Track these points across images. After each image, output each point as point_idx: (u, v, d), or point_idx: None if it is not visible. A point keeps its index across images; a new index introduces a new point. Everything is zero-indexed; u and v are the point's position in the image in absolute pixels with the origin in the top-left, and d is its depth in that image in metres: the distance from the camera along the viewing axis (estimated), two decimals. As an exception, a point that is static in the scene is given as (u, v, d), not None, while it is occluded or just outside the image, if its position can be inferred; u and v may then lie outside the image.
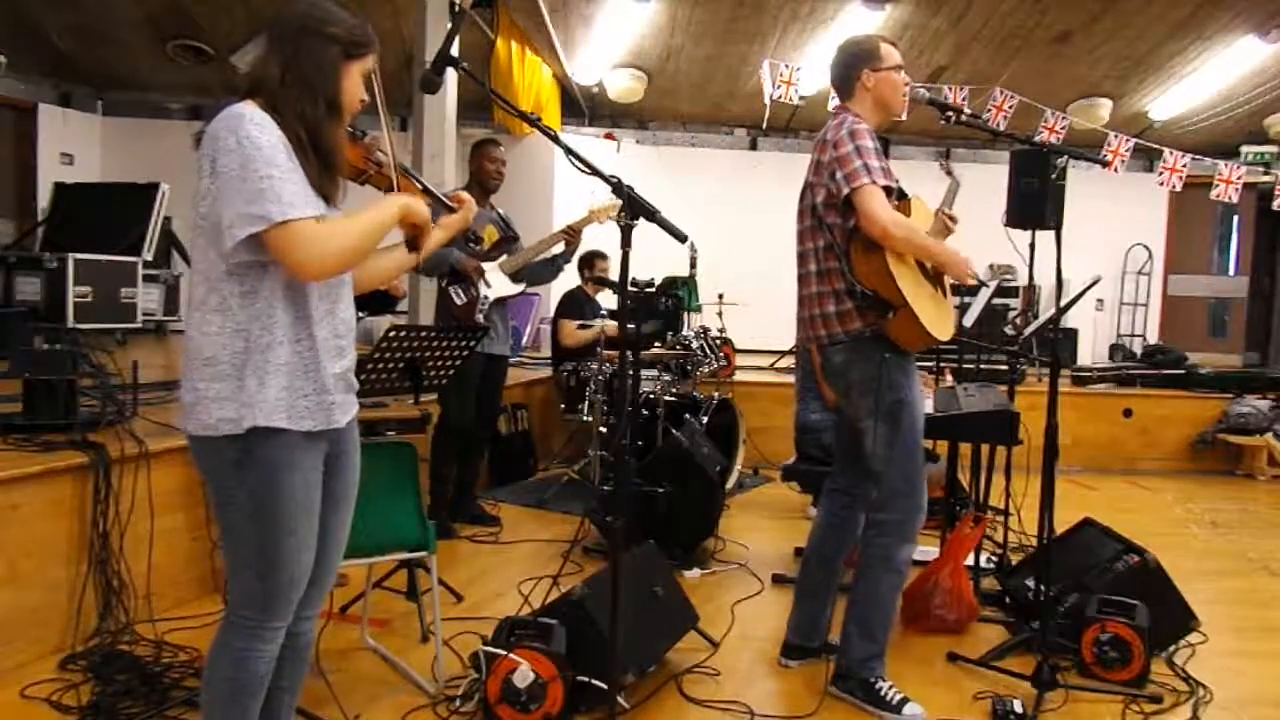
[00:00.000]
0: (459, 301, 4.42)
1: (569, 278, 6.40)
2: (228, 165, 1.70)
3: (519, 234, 4.70)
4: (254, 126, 1.72)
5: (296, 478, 1.83)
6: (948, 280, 2.98)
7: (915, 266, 2.79)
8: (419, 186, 2.06)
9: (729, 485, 5.28)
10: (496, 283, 4.48)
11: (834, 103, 2.98)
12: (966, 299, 5.42)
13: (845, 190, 2.66)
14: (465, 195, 2.15)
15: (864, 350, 2.76)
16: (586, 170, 2.16)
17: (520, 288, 4.56)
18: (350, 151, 1.96)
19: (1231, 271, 10.52)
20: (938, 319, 2.76)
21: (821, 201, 2.78)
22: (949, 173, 3.13)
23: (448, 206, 2.10)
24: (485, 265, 4.46)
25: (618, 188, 2.09)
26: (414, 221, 1.97)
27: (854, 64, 2.85)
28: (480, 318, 4.40)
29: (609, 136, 9.52)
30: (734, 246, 8.62)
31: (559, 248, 4.53)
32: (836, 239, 2.76)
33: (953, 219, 3.04)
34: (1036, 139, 6.93)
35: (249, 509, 1.81)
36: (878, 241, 2.65)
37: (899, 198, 2.81)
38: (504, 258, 4.52)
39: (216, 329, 1.77)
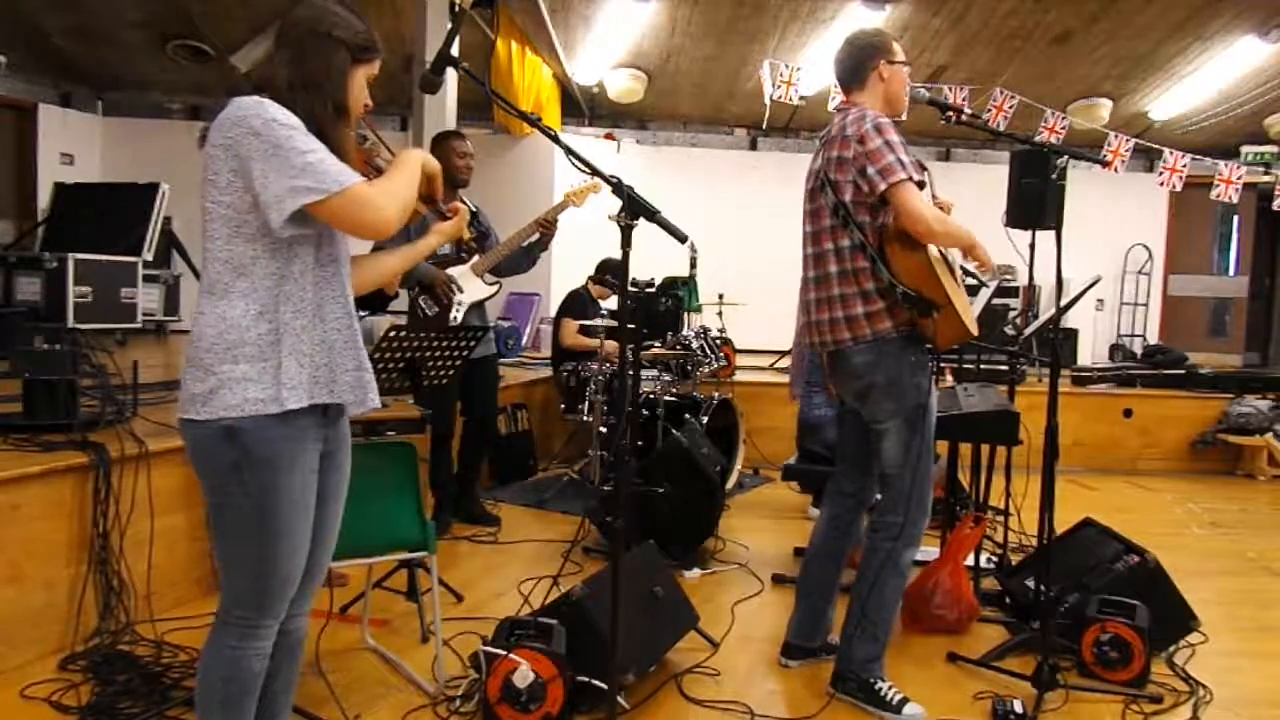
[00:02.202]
0: (429, 313, 4.34)
1: (573, 278, 6.42)
2: (258, 147, 1.71)
3: (491, 229, 4.57)
4: (277, 110, 1.74)
5: (296, 478, 1.83)
6: (958, 272, 2.97)
7: (944, 262, 2.78)
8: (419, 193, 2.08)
9: (729, 485, 5.27)
10: (469, 287, 4.38)
11: (834, 100, 2.97)
12: (967, 299, 5.41)
13: (881, 186, 2.61)
14: (460, 205, 2.15)
15: (890, 351, 2.73)
16: (586, 170, 2.16)
17: (495, 289, 4.45)
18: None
19: (1231, 271, 10.53)
20: (969, 313, 2.75)
21: (850, 199, 2.71)
22: (922, 167, 3.12)
23: (441, 214, 2.11)
24: (456, 270, 4.36)
25: (618, 188, 2.09)
26: (428, 172, 2.02)
27: (869, 55, 2.82)
28: (456, 323, 4.30)
29: (609, 136, 9.52)
30: (734, 246, 8.63)
31: (534, 237, 4.41)
32: (868, 238, 2.71)
33: (946, 203, 3.04)
34: (1036, 139, 6.94)
35: (247, 509, 1.81)
36: (921, 238, 2.61)
37: None
38: (475, 259, 4.40)
39: (241, 313, 1.77)
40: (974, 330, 2.72)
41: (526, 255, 4.51)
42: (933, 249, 2.71)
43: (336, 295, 1.89)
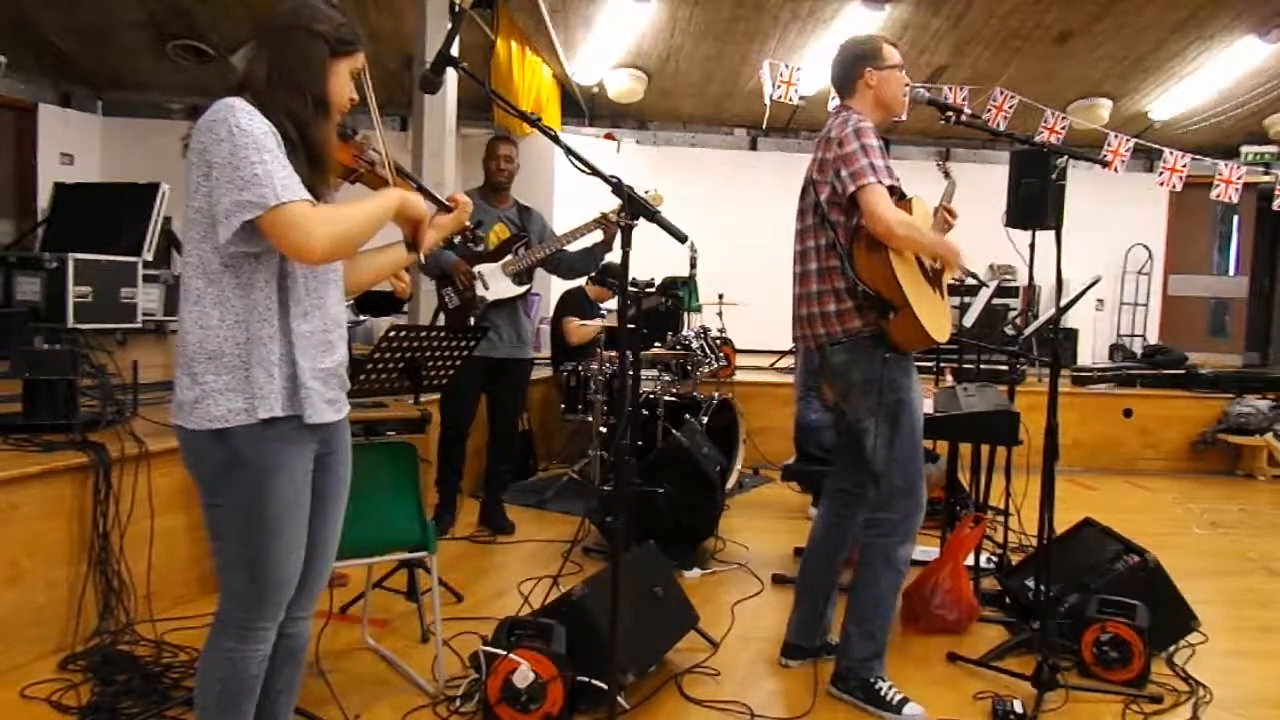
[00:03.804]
0: (451, 305, 4.38)
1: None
2: (219, 155, 1.69)
3: (541, 232, 4.55)
4: (244, 115, 1.72)
5: (285, 477, 1.83)
6: (945, 281, 2.98)
7: (916, 267, 2.80)
8: (414, 186, 2.06)
9: (729, 485, 5.27)
10: (496, 285, 4.37)
11: (834, 103, 2.99)
12: (966, 299, 5.42)
13: (850, 189, 2.66)
14: (462, 197, 2.14)
15: (864, 350, 2.77)
16: (586, 170, 2.16)
17: (522, 290, 4.43)
18: (340, 150, 1.95)
19: (1231, 271, 10.52)
20: (936, 320, 2.77)
21: (825, 199, 2.78)
22: (946, 174, 3.14)
23: (443, 206, 2.09)
24: (486, 267, 4.36)
25: (618, 188, 2.09)
26: (410, 217, 1.96)
27: (856, 63, 2.86)
28: (473, 320, 4.32)
29: (609, 136, 9.52)
30: (734, 246, 8.62)
31: (597, 236, 4.32)
32: (839, 237, 2.77)
33: (952, 214, 3.05)
34: (1036, 139, 6.94)
35: (237, 510, 1.81)
36: (881, 240, 2.66)
37: (899, 198, 2.82)
38: (508, 258, 4.40)
39: (218, 321, 1.77)
40: (937, 338, 2.75)
41: (588, 256, 4.45)
42: (906, 252, 2.75)
43: (310, 310, 1.85)
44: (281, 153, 1.75)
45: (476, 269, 4.36)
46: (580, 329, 5.87)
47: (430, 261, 4.31)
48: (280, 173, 1.71)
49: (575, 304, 6.01)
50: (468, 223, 2.20)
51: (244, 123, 1.71)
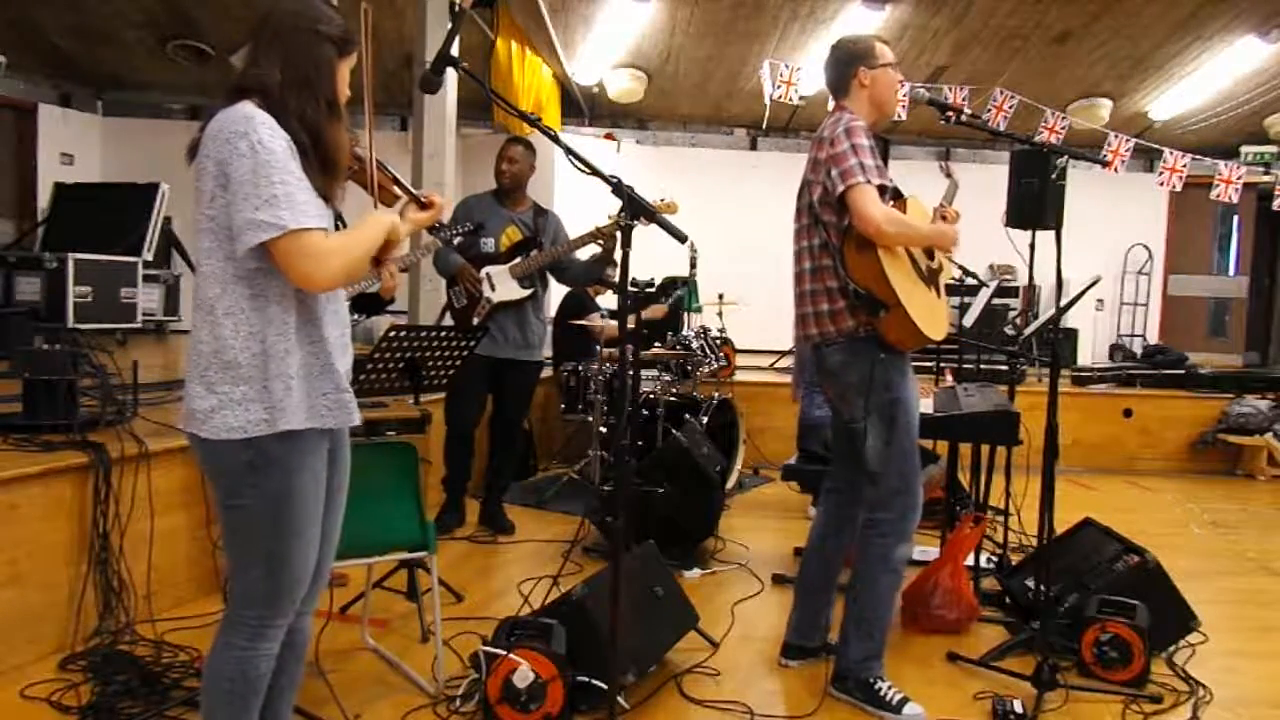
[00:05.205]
0: (457, 305, 4.42)
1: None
2: (240, 170, 1.69)
3: (555, 235, 4.54)
4: (265, 130, 1.71)
5: (307, 478, 1.84)
6: (942, 280, 2.98)
7: (909, 266, 2.80)
8: (391, 177, 2.08)
9: (729, 485, 5.27)
10: (503, 287, 4.38)
11: (833, 104, 2.99)
12: (967, 299, 5.42)
13: (840, 188, 2.67)
14: (438, 198, 2.14)
15: (859, 350, 2.77)
16: (586, 170, 2.16)
17: (527, 293, 4.41)
18: None
19: (1231, 271, 10.52)
20: (931, 319, 2.77)
21: (817, 199, 2.79)
22: (948, 174, 3.14)
23: (419, 202, 2.10)
24: (494, 269, 4.37)
25: (618, 188, 2.09)
26: (393, 240, 1.99)
27: (850, 63, 2.86)
28: (477, 321, 4.34)
29: (609, 136, 9.52)
30: (734, 246, 8.62)
31: (595, 248, 4.26)
32: (831, 237, 2.78)
33: (950, 215, 3.05)
34: (1036, 139, 6.93)
35: (261, 511, 1.81)
36: (871, 239, 2.66)
37: (894, 197, 2.82)
38: (517, 260, 4.40)
39: (231, 331, 1.76)
40: (932, 336, 2.75)
41: (591, 266, 4.41)
42: (899, 250, 2.76)
43: (329, 316, 1.87)
44: (298, 166, 1.75)
45: (485, 270, 4.37)
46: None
47: (440, 262, 4.39)
48: (300, 196, 1.72)
49: (574, 302, 6.02)
50: (461, 226, 2.21)
51: (266, 139, 1.70)
